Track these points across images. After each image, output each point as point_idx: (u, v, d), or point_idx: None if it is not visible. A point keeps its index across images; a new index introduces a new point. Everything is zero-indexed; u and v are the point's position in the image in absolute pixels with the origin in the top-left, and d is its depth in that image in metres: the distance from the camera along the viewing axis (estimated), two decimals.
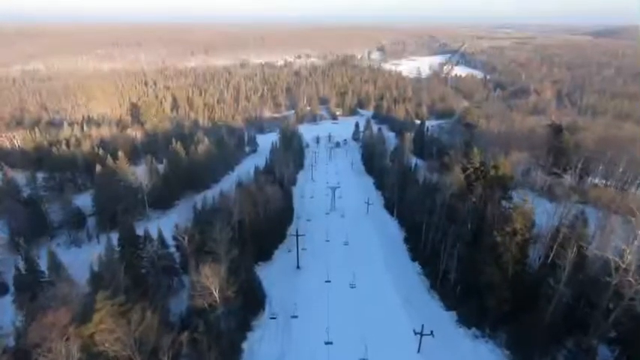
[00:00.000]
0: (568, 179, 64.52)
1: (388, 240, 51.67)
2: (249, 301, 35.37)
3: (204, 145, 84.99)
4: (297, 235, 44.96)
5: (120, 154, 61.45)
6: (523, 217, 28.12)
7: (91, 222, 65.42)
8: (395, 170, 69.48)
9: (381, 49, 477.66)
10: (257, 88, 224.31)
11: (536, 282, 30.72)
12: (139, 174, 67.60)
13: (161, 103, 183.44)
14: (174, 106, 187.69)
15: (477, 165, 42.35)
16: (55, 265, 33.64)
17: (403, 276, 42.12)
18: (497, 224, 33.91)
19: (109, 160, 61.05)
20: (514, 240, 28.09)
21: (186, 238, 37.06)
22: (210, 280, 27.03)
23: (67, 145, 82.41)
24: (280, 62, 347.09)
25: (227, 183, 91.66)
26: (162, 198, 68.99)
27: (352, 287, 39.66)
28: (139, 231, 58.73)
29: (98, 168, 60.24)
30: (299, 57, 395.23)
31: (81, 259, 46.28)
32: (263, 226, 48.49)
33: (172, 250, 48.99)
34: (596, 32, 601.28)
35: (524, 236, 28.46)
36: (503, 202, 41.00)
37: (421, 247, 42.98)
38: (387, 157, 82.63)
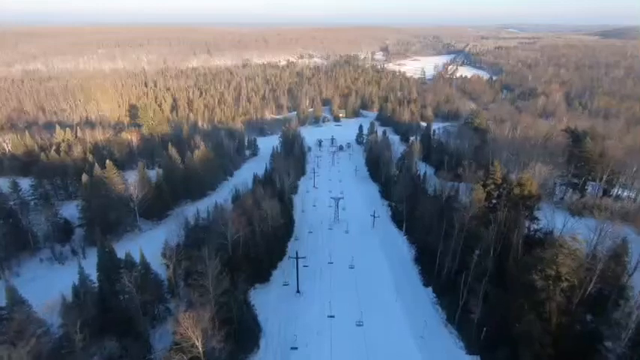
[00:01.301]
0: (591, 191, 59.73)
1: (397, 260, 47.00)
2: (242, 337, 31.03)
3: (201, 150, 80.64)
4: (297, 258, 40.47)
5: (108, 162, 57.13)
6: (572, 261, 23.41)
7: (79, 233, 61.40)
8: (403, 180, 64.91)
9: (384, 49, 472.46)
10: (259, 89, 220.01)
11: (575, 322, 26.14)
12: (132, 182, 63.26)
13: (160, 105, 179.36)
14: (174, 107, 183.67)
15: (499, 181, 37.61)
16: (16, 301, 29.23)
17: (416, 305, 37.48)
18: (528, 256, 29.43)
19: (97, 168, 56.76)
20: (559, 286, 23.49)
21: (171, 266, 32.67)
22: (192, 330, 22.61)
23: (58, 150, 78.20)
24: (283, 62, 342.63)
25: (225, 190, 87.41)
26: (155, 208, 64.73)
27: (359, 325, 34.97)
28: (127, 248, 54.61)
29: (84, 178, 55.99)
30: (301, 57, 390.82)
31: (60, 279, 42.18)
32: (260, 245, 44.15)
33: (161, 270, 45.03)
34: (603, 32, 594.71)
35: (571, 282, 23.79)
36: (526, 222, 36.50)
37: (435, 271, 38.39)
38: (394, 165, 77.98)
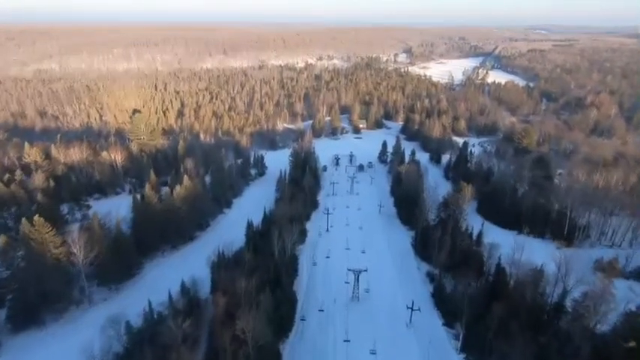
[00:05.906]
0: None
1: None
2: None
3: (185, 185, 63.79)
4: None
5: (37, 218, 40.97)
6: None
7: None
8: (450, 243, 46.74)
9: (407, 50, 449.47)
10: (273, 94, 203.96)
11: None
12: (77, 233, 46.76)
13: (165, 112, 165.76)
14: (180, 113, 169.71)
15: None
16: None
17: None
18: None
19: (25, 224, 40.83)
20: None
21: None
22: None
23: (10, 180, 63.39)
24: (300, 64, 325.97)
25: (220, 227, 71.33)
26: (114, 269, 48.30)
27: None
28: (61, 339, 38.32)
29: (2, 239, 40.22)
30: (320, 59, 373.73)
31: None
32: None
33: None
34: None
35: None
36: None
37: None
38: (433, 210, 59.39)
